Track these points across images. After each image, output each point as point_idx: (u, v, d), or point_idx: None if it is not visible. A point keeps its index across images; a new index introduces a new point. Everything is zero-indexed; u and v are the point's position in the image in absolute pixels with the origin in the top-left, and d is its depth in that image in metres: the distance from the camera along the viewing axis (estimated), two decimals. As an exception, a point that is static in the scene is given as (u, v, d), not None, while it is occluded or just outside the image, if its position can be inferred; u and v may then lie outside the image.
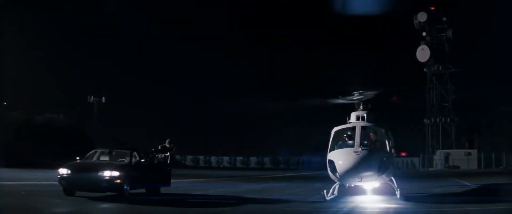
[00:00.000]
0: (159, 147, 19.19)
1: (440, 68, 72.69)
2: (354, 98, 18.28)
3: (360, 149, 15.79)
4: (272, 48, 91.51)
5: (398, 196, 16.58)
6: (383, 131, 17.36)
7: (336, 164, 15.95)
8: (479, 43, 73.31)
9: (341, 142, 17.15)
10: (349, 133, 17.15)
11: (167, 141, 19.43)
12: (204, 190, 21.89)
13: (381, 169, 15.91)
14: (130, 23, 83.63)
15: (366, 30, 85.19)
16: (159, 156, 19.05)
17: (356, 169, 15.58)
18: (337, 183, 16.94)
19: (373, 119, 17.69)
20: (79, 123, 65.11)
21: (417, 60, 71.53)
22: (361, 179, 15.93)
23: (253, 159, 68.59)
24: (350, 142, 16.62)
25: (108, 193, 16.27)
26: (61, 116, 63.64)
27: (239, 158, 68.62)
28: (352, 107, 18.61)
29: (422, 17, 71.26)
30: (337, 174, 15.94)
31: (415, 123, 70.07)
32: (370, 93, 18.13)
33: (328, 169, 16.42)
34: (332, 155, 16.41)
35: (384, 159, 16.17)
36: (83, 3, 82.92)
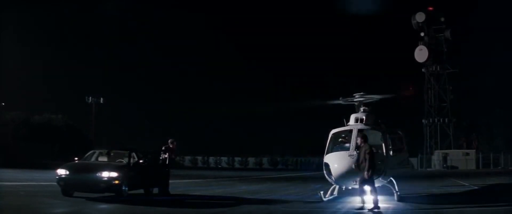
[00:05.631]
0: (163, 148, 19.06)
1: (438, 69, 72.72)
2: (355, 100, 18.26)
3: (355, 152, 15.76)
4: (271, 48, 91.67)
5: (395, 197, 16.61)
6: (381, 133, 17.35)
7: (331, 167, 15.93)
8: (477, 44, 73.49)
9: (338, 144, 17.16)
10: (346, 135, 17.15)
11: (169, 141, 19.30)
12: (202, 190, 21.88)
13: (376, 172, 15.86)
14: (129, 23, 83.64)
15: (364, 30, 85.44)
16: (162, 156, 18.97)
17: (351, 172, 15.54)
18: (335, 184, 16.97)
19: (373, 121, 17.64)
20: (78, 123, 65.13)
21: (415, 60, 71.55)
22: (356, 182, 15.90)
23: (251, 160, 68.51)
24: (346, 145, 16.61)
25: (107, 194, 16.27)
26: (60, 116, 63.57)
27: (237, 159, 68.53)
28: (352, 109, 18.59)
29: (420, 17, 71.26)
30: (332, 177, 15.94)
31: (413, 123, 70.07)
32: (372, 97, 18.08)
33: (325, 172, 16.43)
34: (328, 158, 16.40)
35: (380, 162, 16.14)
36: (83, 3, 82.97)
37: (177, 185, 22.06)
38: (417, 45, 71.59)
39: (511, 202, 16.52)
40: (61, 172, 16.17)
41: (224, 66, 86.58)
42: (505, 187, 24.69)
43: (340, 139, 17.31)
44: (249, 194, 20.20)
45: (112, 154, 17.87)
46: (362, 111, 18.11)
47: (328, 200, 16.79)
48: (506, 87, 60.39)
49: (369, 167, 13.97)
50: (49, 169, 24.52)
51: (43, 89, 70.69)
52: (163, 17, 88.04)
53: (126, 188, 16.42)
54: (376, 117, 18.10)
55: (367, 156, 14.00)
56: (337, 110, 19.66)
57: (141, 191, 18.05)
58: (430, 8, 71.44)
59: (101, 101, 59.97)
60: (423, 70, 73.02)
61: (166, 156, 18.95)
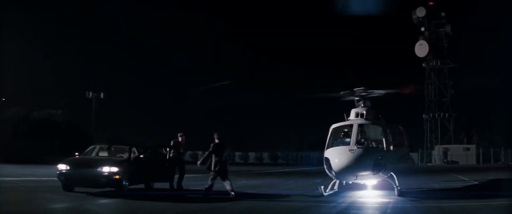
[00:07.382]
0: (172, 143, 19.01)
1: (439, 64, 72.58)
2: (355, 94, 18.22)
3: (355, 147, 15.74)
4: (272, 44, 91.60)
5: (396, 192, 16.61)
6: (381, 128, 17.33)
7: (331, 161, 15.93)
8: (478, 39, 73.34)
9: (338, 139, 17.15)
10: (346, 130, 17.14)
11: (178, 135, 19.18)
12: (203, 185, 21.81)
13: (377, 167, 15.84)
14: (129, 20, 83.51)
15: (364, 25, 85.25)
16: (169, 151, 18.91)
17: (351, 167, 15.54)
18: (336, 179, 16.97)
19: (373, 116, 17.62)
20: (78, 119, 65.12)
21: (416, 55, 71.41)
22: (356, 177, 15.90)
23: (251, 154, 68.41)
24: (347, 139, 16.60)
25: (107, 189, 16.26)
26: (60, 112, 63.50)
27: (238, 153, 68.49)
28: (353, 104, 18.55)
29: (420, 12, 71.03)
30: (333, 171, 15.94)
31: (413, 118, 70.10)
32: (373, 92, 18.05)
33: (325, 166, 16.43)
34: (328, 153, 16.39)
35: (380, 157, 16.12)
36: (83, 3, 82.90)
37: (177, 180, 22.01)
38: (417, 40, 71.42)
39: (511, 197, 16.51)
40: (62, 167, 16.18)
41: (224, 65, 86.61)
42: (506, 182, 24.68)
43: (342, 133, 17.30)
44: (250, 188, 20.20)
45: (112, 149, 17.88)
46: (362, 105, 18.09)
47: (329, 195, 16.80)
48: (506, 82, 60.20)
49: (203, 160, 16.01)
50: (50, 164, 24.52)
51: (42, 86, 70.68)
52: (163, 16, 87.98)
53: (127, 183, 16.42)
54: (377, 112, 18.09)
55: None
56: (338, 104, 19.65)
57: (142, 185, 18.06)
58: (431, 3, 71.26)
59: (102, 96, 59.76)
60: (423, 65, 72.89)
61: (167, 150, 18.91)
